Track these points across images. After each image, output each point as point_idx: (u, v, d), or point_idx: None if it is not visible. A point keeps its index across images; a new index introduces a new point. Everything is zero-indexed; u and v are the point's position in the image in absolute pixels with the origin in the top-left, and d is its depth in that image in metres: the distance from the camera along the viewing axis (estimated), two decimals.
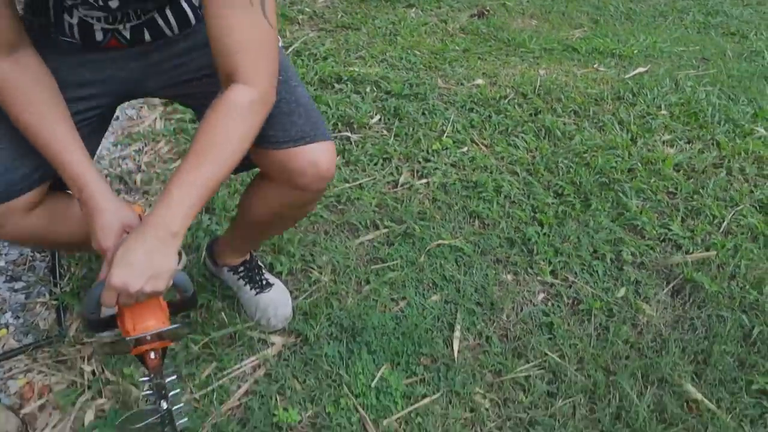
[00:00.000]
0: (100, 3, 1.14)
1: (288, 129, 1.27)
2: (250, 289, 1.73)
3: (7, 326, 1.71)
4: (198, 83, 1.34)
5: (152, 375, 1.19)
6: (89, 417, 1.48)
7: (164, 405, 1.18)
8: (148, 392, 1.21)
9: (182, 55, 1.32)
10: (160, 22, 1.26)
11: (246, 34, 1.10)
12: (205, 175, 1.10)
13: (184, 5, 1.27)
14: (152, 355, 1.18)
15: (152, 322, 1.17)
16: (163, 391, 1.19)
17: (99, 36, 1.24)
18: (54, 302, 1.73)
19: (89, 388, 1.53)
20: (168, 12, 1.26)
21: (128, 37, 1.25)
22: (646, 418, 1.52)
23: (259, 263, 1.77)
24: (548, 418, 1.52)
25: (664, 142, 2.53)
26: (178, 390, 1.25)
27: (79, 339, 1.63)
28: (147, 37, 1.27)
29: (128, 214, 1.19)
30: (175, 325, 1.19)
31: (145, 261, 1.06)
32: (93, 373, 1.57)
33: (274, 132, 1.26)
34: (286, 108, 1.28)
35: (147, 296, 1.10)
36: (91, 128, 1.32)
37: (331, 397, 1.54)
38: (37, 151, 1.16)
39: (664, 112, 2.71)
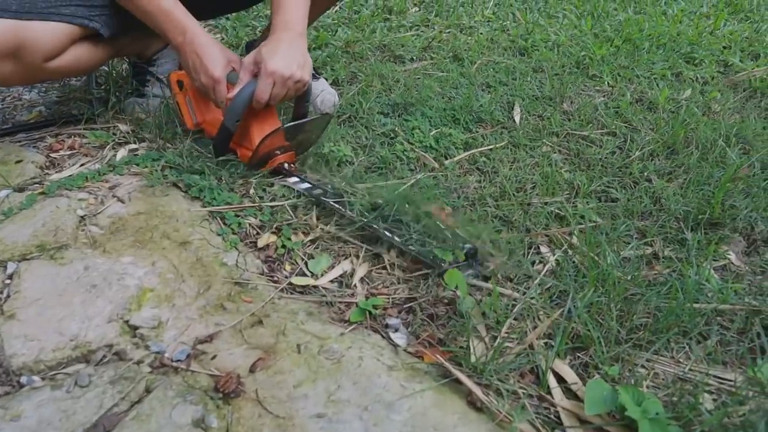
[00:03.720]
0: None
1: None
2: None
3: (39, 111, 1.64)
4: None
5: (300, 176, 1.24)
6: (121, 154, 1.37)
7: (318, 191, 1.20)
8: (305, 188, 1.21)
9: None
10: None
11: None
12: None
13: None
14: (286, 166, 1.26)
15: (274, 124, 1.26)
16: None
17: None
18: (88, 97, 1.65)
19: (122, 142, 1.43)
20: None
21: None
22: (735, 161, 1.37)
23: None
24: (624, 166, 1.38)
25: (708, 26, 2.48)
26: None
27: (112, 118, 1.54)
28: None
29: (230, 51, 1.27)
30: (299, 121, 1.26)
31: (291, 53, 1.18)
32: (128, 133, 1.47)
33: None
34: None
35: (295, 87, 1.20)
36: None
37: (385, 145, 1.42)
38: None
39: (704, 9, 2.67)
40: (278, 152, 1.25)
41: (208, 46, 1.22)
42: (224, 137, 1.23)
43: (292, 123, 1.24)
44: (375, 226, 1.06)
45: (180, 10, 1.24)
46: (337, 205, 1.12)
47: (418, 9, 2.55)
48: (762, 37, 2.23)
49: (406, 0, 2.65)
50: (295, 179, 1.23)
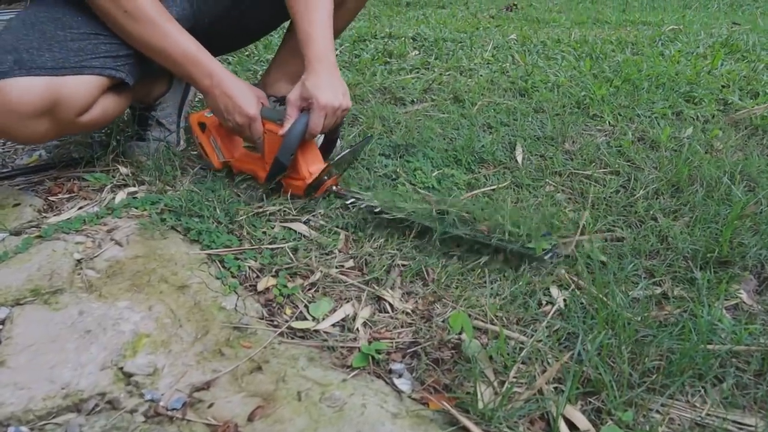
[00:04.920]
0: None
1: None
2: None
3: (40, 155, 1.64)
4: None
5: (354, 196, 1.28)
6: (120, 197, 1.36)
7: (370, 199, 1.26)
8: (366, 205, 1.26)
9: None
10: None
11: None
12: (325, 13, 1.26)
13: None
14: (334, 188, 1.32)
15: (317, 153, 1.31)
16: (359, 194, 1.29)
17: None
18: (88, 140, 1.65)
19: (121, 184, 1.43)
20: None
21: None
22: (742, 198, 1.35)
23: None
24: (629, 205, 1.37)
25: (706, 65, 2.50)
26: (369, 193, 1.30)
27: (112, 161, 1.53)
28: None
29: (255, 87, 1.31)
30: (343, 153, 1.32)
31: (334, 83, 1.23)
32: (128, 175, 1.46)
33: None
34: None
35: (341, 115, 1.26)
36: None
37: (387, 187, 1.41)
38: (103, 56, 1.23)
39: (701, 49, 2.70)
40: (326, 177, 1.29)
41: (237, 87, 1.26)
42: (278, 171, 1.26)
43: (344, 153, 1.29)
44: (464, 234, 1.11)
45: (204, 54, 1.25)
46: (412, 219, 1.16)
47: (418, 52, 2.58)
48: (759, 76, 2.24)
49: (406, 44, 2.68)
50: (352, 200, 1.28)
